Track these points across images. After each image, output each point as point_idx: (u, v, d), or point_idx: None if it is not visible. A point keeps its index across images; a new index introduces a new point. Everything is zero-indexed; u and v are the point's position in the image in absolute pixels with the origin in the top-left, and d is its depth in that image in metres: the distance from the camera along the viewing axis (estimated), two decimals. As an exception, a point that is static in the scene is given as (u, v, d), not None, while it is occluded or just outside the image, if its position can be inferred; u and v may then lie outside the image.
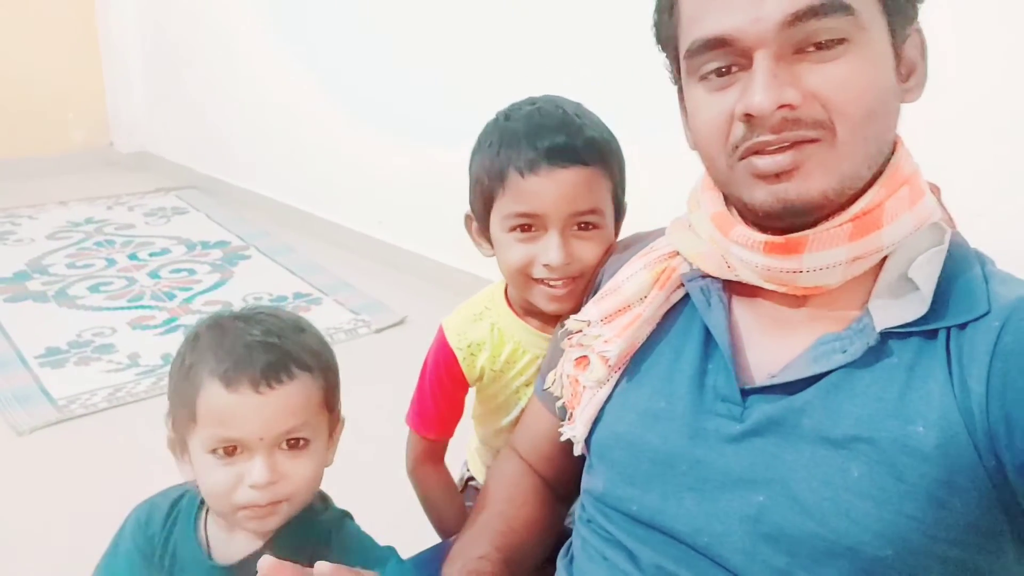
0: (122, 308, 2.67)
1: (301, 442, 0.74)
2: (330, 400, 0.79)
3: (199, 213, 3.71)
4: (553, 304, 0.88)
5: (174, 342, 2.51)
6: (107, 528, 0.82)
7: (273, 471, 0.72)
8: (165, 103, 4.22)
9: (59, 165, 4.21)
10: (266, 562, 0.61)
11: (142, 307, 2.68)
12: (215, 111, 3.89)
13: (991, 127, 1.57)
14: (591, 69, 2.12)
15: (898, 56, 0.62)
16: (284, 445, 0.73)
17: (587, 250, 0.86)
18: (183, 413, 0.74)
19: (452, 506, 1.02)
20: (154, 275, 2.97)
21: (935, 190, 0.69)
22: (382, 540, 1.02)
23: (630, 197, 0.94)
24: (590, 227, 0.87)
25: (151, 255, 3.17)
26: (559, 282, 0.87)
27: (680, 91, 0.69)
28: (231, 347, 0.73)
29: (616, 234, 0.93)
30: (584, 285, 0.86)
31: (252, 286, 2.88)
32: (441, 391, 0.99)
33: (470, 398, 1.04)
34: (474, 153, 0.92)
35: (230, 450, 0.72)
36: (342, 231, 3.27)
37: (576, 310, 0.79)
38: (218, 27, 3.75)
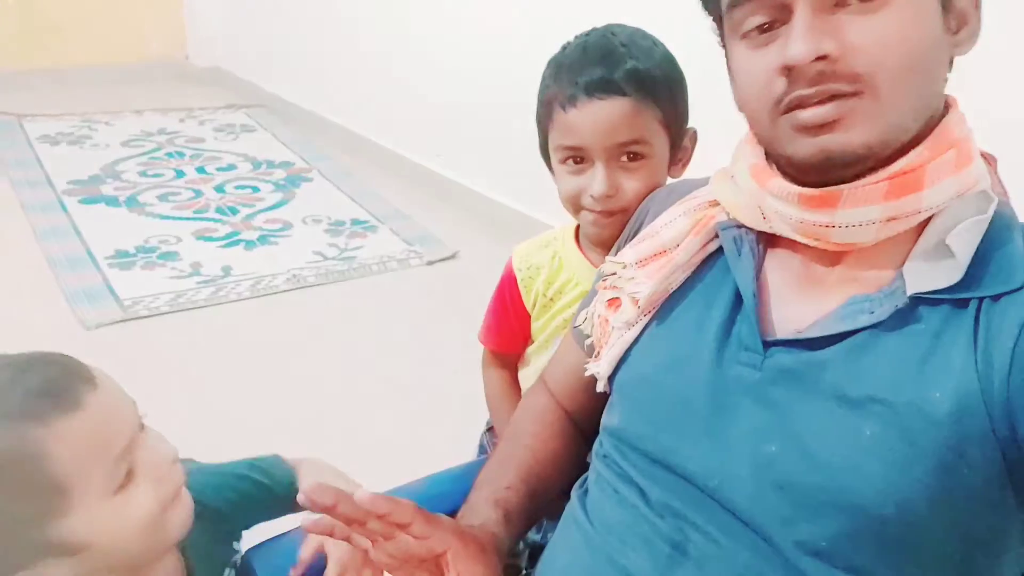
0: (188, 219, 2.78)
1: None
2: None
3: (266, 132, 3.79)
4: (596, 229, 0.95)
5: (235, 255, 2.63)
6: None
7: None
8: (241, 20, 4.27)
9: (136, 74, 4.33)
10: (309, 484, 0.60)
11: (207, 219, 2.79)
12: (287, 33, 3.92)
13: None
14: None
15: (948, 7, 0.60)
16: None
17: (632, 182, 0.90)
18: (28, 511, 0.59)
19: (504, 409, 1.09)
20: (219, 189, 3.06)
21: (990, 160, 0.68)
22: (427, 453, 1.08)
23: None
24: (638, 157, 0.90)
25: (218, 170, 3.26)
26: (607, 217, 0.92)
27: (727, 55, 0.69)
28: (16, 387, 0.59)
29: (683, 163, 0.97)
30: (628, 218, 0.88)
31: (312, 208, 2.95)
32: (503, 312, 1.07)
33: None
34: (540, 88, 0.97)
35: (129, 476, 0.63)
36: (402, 161, 3.30)
37: (617, 236, 0.82)
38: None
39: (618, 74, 0.87)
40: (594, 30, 0.94)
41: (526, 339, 1.07)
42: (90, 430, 0.60)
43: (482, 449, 1.18)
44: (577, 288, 1.00)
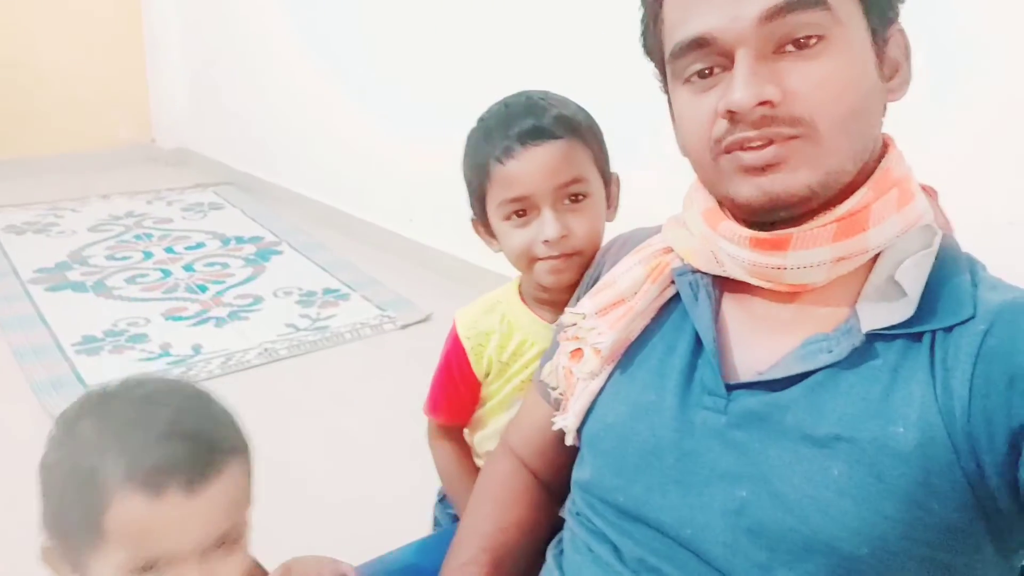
0: (157, 299, 2.75)
1: (230, 542, 0.64)
2: (251, 477, 0.69)
3: (235, 209, 3.79)
4: (555, 276, 0.92)
5: (205, 333, 2.59)
6: None
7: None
8: (206, 102, 4.32)
9: (103, 160, 4.33)
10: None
11: (176, 299, 2.76)
12: (253, 111, 3.97)
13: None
14: (615, 70, 2.13)
15: (880, 55, 0.62)
16: (213, 547, 0.62)
17: (581, 222, 0.91)
18: (81, 528, 0.60)
19: (461, 479, 1.05)
20: (188, 268, 3.04)
21: (931, 193, 0.70)
22: (402, 526, 1.04)
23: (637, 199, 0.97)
24: (580, 197, 0.91)
25: (187, 249, 3.25)
26: (559, 259, 0.91)
27: (669, 101, 0.70)
28: (145, 442, 0.60)
29: (613, 208, 0.98)
30: (585, 259, 0.89)
31: (283, 281, 2.93)
32: (452, 384, 1.03)
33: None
34: (464, 158, 0.98)
35: (150, 565, 0.60)
36: (372, 229, 3.31)
37: (577, 282, 0.82)
38: (256, 30, 3.83)
39: (546, 120, 0.90)
40: (508, 96, 0.97)
41: (475, 407, 1.05)
42: (144, 522, 0.59)
43: (436, 522, 1.14)
44: (534, 348, 0.98)
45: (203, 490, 0.61)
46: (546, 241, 0.90)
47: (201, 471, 0.61)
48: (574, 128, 0.91)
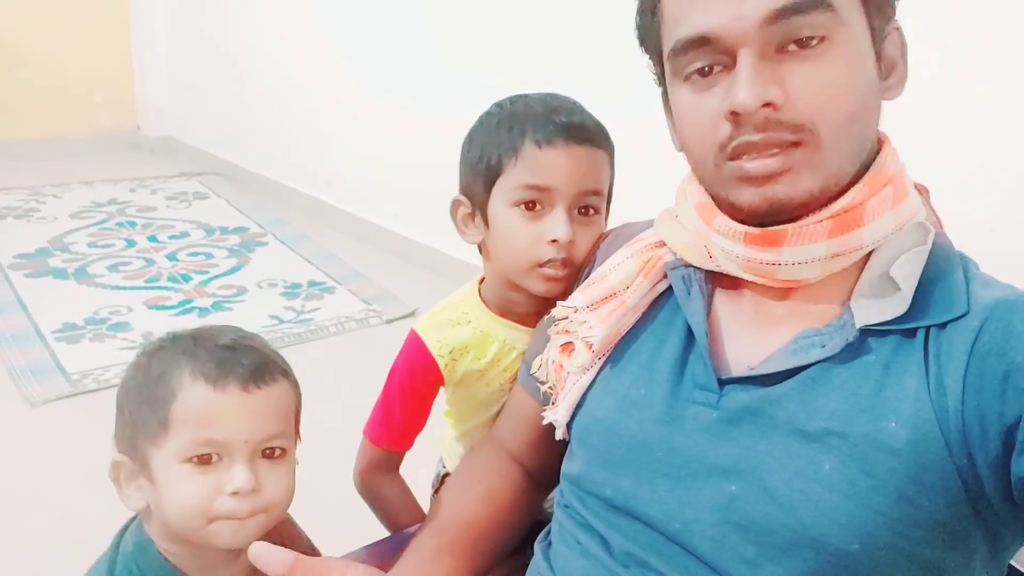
0: (139, 288, 2.72)
1: (278, 451, 0.74)
2: (299, 413, 0.79)
3: (220, 199, 3.76)
4: (549, 284, 0.87)
5: (188, 323, 2.54)
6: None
7: (256, 478, 0.71)
8: (192, 90, 4.28)
9: (86, 147, 4.28)
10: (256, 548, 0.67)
11: (159, 288, 2.73)
12: (240, 100, 3.94)
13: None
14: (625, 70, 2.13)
15: (878, 54, 0.62)
16: (261, 455, 0.72)
17: (586, 235, 0.87)
18: (149, 423, 0.71)
19: (409, 514, 0.99)
20: (172, 257, 3.01)
21: (923, 191, 0.70)
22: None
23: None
24: (591, 211, 0.88)
25: (170, 238, 3.21)
26: (562, 269, 0.86)
27: (664, 93, 0.70)
28: (211, 349, 0.72)
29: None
30: (576, 272, 0.87)
31: (267, 272, 2.91)
32: (414, 400, 0.97)
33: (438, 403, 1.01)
34: (475, 136, 0.92)
35: (207, 458, 0.70)
36: (358, 222, 3.30)
37: (565, 295, 0.79)
38: (246, 18, 3.79)
39: (591, 124, 0.87)
40: (524, 95, 0.92)
41: (426, 421, 1.00)
42: (205, 408, 0.70)
43: None
44: (513, 351, 0.94)
45: (256, 391, 0.72)
46: (554, 241, 0.85)
47: (256, 375, 0.72)
48: (608, 141, 0.89)
